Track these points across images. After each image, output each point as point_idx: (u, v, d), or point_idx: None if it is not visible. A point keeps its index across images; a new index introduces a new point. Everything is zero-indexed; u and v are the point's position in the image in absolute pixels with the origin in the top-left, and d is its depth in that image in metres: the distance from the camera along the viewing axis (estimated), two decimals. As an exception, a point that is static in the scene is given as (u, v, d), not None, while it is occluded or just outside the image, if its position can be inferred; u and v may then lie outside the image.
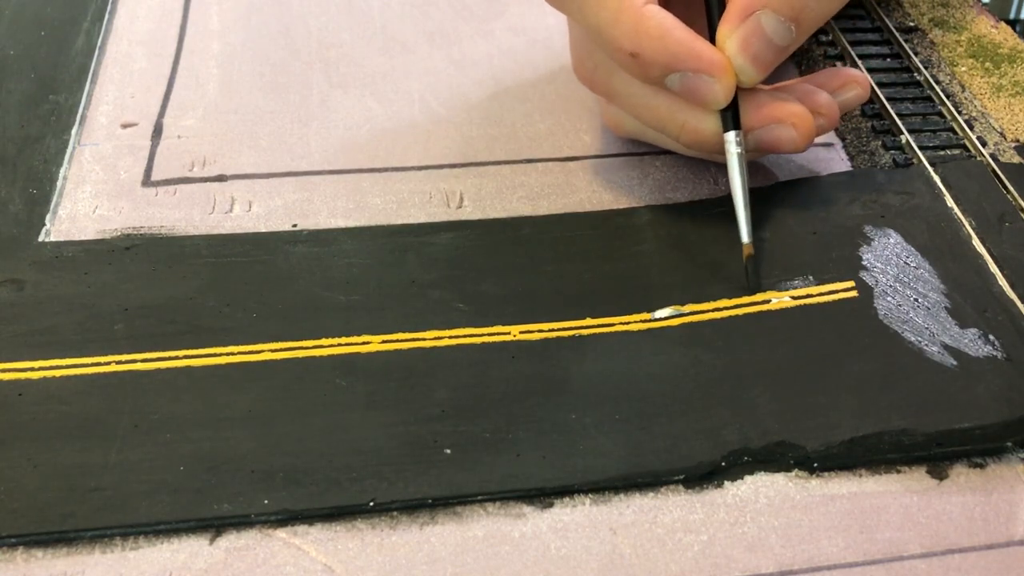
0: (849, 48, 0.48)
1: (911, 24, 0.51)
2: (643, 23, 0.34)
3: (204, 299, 0.36)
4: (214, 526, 0.29)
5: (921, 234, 0.39)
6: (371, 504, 0.30)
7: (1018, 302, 0.36)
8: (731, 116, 0.37)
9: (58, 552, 0.28)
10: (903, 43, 0.49)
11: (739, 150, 0.36)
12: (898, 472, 0.31)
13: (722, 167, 0.42)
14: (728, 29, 0.36)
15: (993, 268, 0.37)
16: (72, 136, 0.43)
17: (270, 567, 0.28)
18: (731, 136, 0.37)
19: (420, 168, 0.42)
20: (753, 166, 0.42)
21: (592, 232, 0.39)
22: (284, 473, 0.30)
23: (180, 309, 0.35)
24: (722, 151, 0.37)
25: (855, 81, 0.39)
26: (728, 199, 0.41)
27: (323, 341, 0.34)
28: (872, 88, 0.46)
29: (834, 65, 0.48)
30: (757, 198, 0.40)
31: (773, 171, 0.42)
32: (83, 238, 0.38)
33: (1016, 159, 0.42)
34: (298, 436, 0.31)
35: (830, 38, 0.50)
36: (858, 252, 0.38)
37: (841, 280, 0.37)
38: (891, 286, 0.36)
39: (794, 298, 0.36)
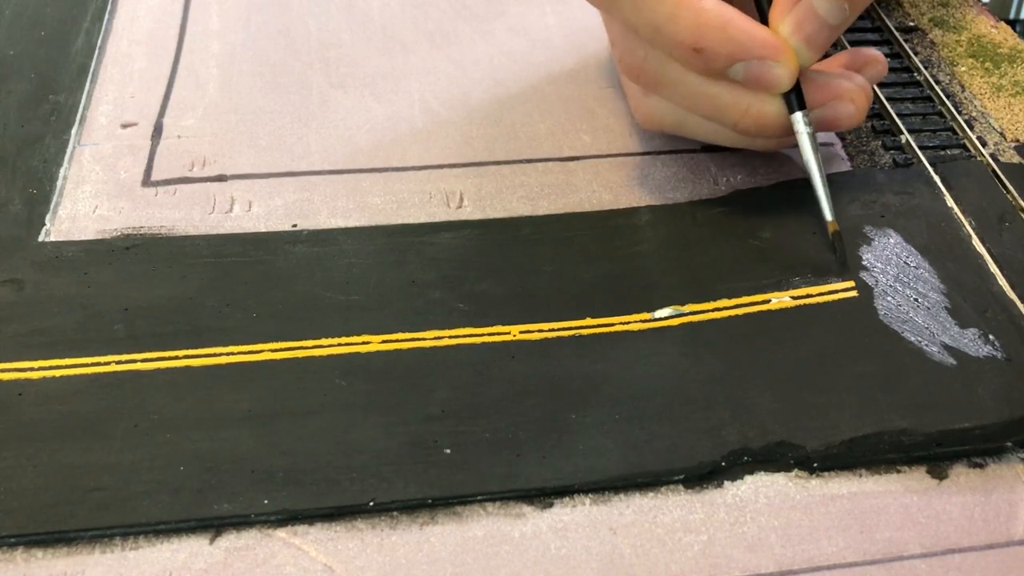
0: (849, 48, 0.48)
1: (911, 24, 0.51)
2: (703, 16, 0.34)
3: (204, 299, 0.36)
4: (214, 526, 0.29)
5: (921, 234, 0.39)
6: (371, 504, 0.30)
7: (1018, 302, 0.36)
8: (795, 97, 0.37)
9: (58, 552, 0.28)
10: (903, 43, 0.49)
11: (809, 129, 0.37)
12: (898, 472, 0.31)
13: (722, 167, 0.42)
14: (780, 13, 0.36)
15: (993, 268, 0.37)
16: (72, 136, 0.43)
17: (270, 567, 0.28)
18: (799, 116, 0.37)
19: (420, 168, 0.42)
20: (753, 165, 0.42)
21: (592, 232, 0.39)
22: (284, 473, 0.30)
23: (180, 309, 0.35)
24: (781, 134, 0.38)
25: (875, 59, 0.40)
26: (728, 198, 0.41)
27: (323, 341, 0.34)
28: (873, 87, 0.46)
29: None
30: (756, 198, 0.40)
31: (773, 171, 0.42)
32: (83, 238, 0.38)
33: (1016, 159, 0.42)
34: (298, 436, 0.31)
35: (830, 38, 0.50)
36: (858, 252, 0.38)
37: (841, 280, 0.37)
38: (891, 286, 0.36)
39: (794, 298, 0.36)
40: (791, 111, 0.37)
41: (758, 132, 0.38)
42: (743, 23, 0.35)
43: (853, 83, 0.38)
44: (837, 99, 0.38)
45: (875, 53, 0.41)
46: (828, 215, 0.37)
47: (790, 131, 0.37)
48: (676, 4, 0.35)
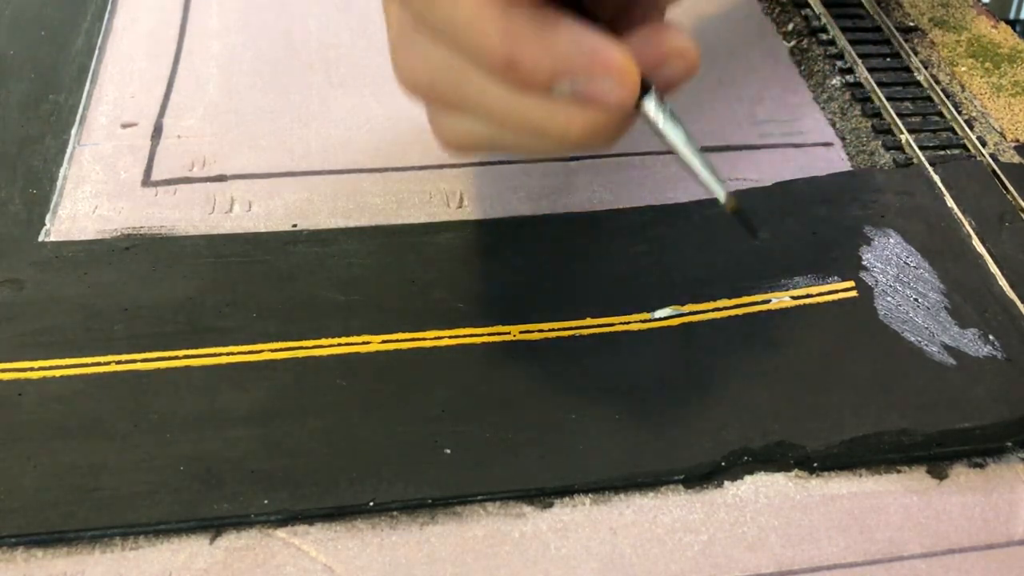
0: (849, 48, 0.48)
1: (911, 24, 0.51)
2: (516, 19, 0.26)
3: (204, 299, 0.36)
4: (214, 526, 0.29)
5: (921, 234, 0.39)
6: (371, 504, 0.30)
7: (1018, 302, 0.36)
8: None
9: (58, 552, 0.28)
10: (903, 43, 0.49)
11: (665, 113, 0.29)
12: (898, 472, 0.31)
13: (722, 167, 0.42)
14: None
15: (993, 268, 0.37)
16: (72, 136, 0.43)
17: (270, 567, 0.28)
18: (649, 103, 0.28)
19: (420, 168, 0.42)
20: (753, 166, 0.42)
21: (592, 232, 0.39)
22: (284, 473, 0.30)
23: (180, 309, 0.35)
24: (623, 132, 0.29)
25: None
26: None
27: (323, 341, 0.34)
28: (872, 88, 0.46)
29: (833, 65, 0.48)
30: (757, 198, 0.40)
31: (774, 171, 0.42)
32: (83, 238, 0.38)
33: (1016, 159, 0.42)
34: (298, 436, 0.31)
35: (830, 37, 0.50)
36: (858, 252, 0.38)
37: (841, 280, 0.37)
38: (891, 286, 0.36)
39: (794, 298, 0.36)
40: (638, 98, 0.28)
41: (593, 140, 0.29)
42: (570, 29, 0.27)
43: (679, 38, 0.29)
44: (664, 60, 0.29)
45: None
46: (721, 195, 0.29)
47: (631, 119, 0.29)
48: (479, 4, 0.26)
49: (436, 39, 0.28)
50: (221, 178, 0.41)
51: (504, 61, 0.27)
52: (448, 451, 0.31)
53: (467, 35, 0.27)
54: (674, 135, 0.29)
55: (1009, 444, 0.32)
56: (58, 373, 0.33)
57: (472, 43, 0.27)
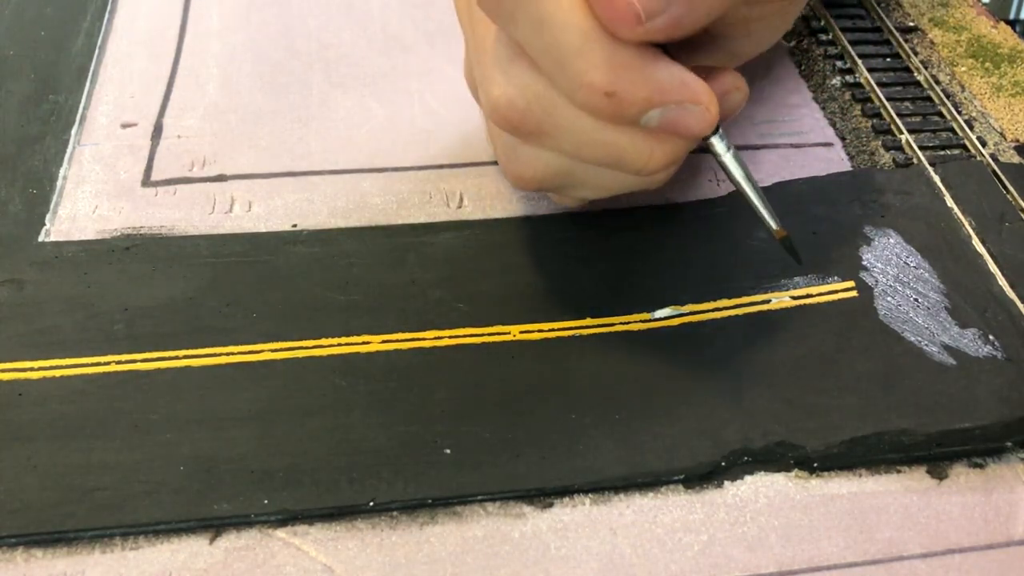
0: (849, 48, 0.48)
1: (911, 24, 0.51)
2: (619, 53, 0.28)
3: (204, 299, 0.36)
4: (214, 526, 0.29)
5: (921, 234, 0.39)
6: (371, 504, 0.30)
7: (1018, 302, 0.36)
8: None
9: (58, 552, 0.28)
10: (903, 43, 0.49)
11: (729, 148, 0.32)
12: (898, 472, 0.31)
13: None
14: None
15: (993, 268, 0.37)
16: (72, 136, 0.43)
17: (270, 567, 0.28)
18: (715, 140, 0.32)
19: (420, 168, 0.42)
20: (752, 166, 0.42)
21: (592, 232, 0.39)
22: (284, 473, 0.30)
23: (180, 309, 0.35)
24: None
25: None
26: (728, 198, 0.41)
27: (323, 341, 0.34)
28: (872, 88, 0.46)
29: (833, 65, 0.48)
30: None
31: (774, 171, 0.42)
32: (83, 238, 0.38)
33: (1016, 159, 0.42)
34: (298, 436, 0.31)
35: (830, 37, 0.50)
36: (858, 252, 0.38)
37: (841, 280, 0.37)
38: (891, 286, 0.36)
39: (794, 298, 0.36)
40: (707, 137, 0.32)
41: (667, 167, 0.32)
42: (664, 63, 0.29)
43: (731, 74, 0.33)
44: (726, 93, 0.32)
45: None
46: (773, 225, 0.33)
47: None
48: (586, 36, 0.28)
49: (535, 68, 0.30)
50: (221, 178, 0.41)
51: (605, 89, 0.28)
52: (448, 451, 0.31)
53: (573, 63, 0.28)
54: (734, 167, 0.32)
55: (1009, 444, 0.32)
56: (58, 373, 0.33)
57: (576, 71, 0.28)
